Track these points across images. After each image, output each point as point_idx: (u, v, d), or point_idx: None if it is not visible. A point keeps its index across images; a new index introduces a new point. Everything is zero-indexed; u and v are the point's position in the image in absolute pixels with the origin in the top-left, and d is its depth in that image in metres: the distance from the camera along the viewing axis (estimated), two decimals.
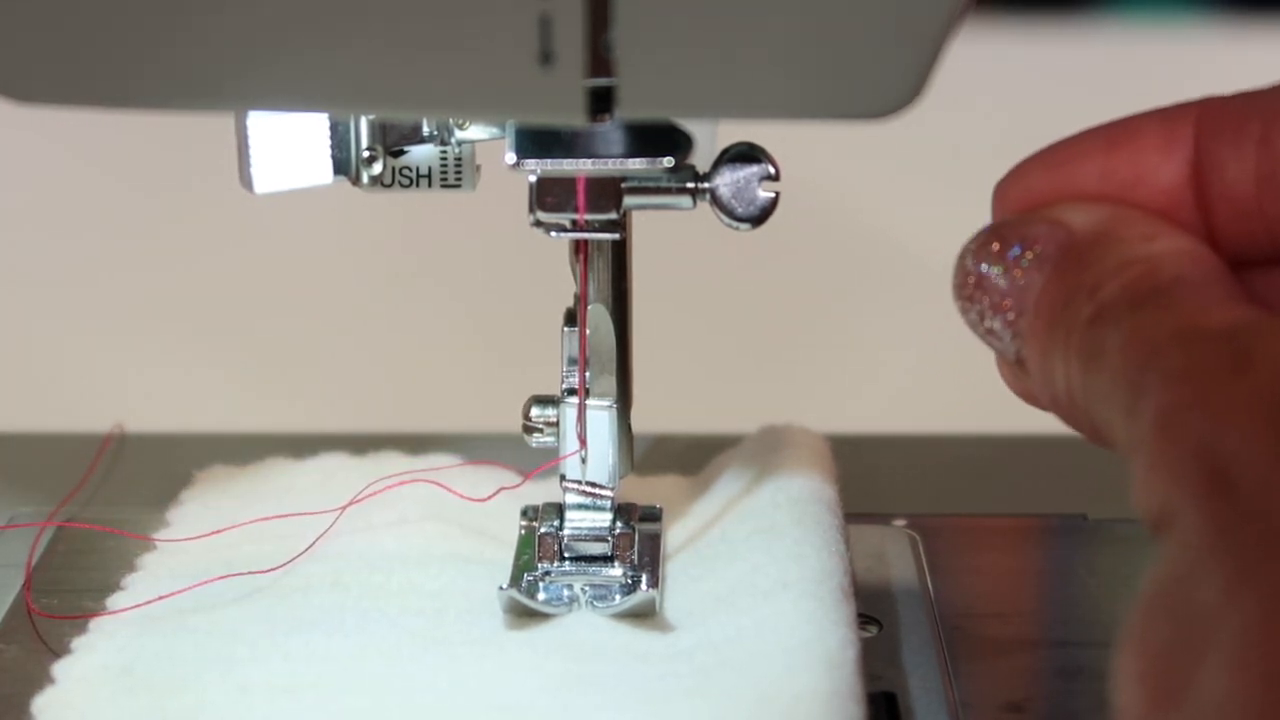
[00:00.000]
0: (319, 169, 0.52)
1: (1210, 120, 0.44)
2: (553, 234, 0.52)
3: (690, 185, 0.51)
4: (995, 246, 0.44)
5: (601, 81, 0.43)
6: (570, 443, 0.54)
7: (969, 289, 0.45)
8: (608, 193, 0.51)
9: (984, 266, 0.44)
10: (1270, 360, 0.37)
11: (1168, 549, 0.37)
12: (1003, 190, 0.46)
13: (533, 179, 0.51)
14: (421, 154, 0.53)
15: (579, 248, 0.53)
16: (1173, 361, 0.39)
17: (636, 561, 0.54)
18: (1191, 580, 0.36)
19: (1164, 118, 0.44)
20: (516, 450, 0.56)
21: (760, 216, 0.52)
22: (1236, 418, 0.36)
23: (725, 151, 0.52)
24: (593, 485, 0.54)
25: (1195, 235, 0.43)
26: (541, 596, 0.52)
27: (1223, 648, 0.34)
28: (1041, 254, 0.44)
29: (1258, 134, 0.43)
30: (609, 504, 0.54)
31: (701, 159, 0.51)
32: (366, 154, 0.52)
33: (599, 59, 0.43)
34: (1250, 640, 0.34)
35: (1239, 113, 0.44)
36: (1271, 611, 0.34)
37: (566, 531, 0.54)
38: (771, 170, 0.51)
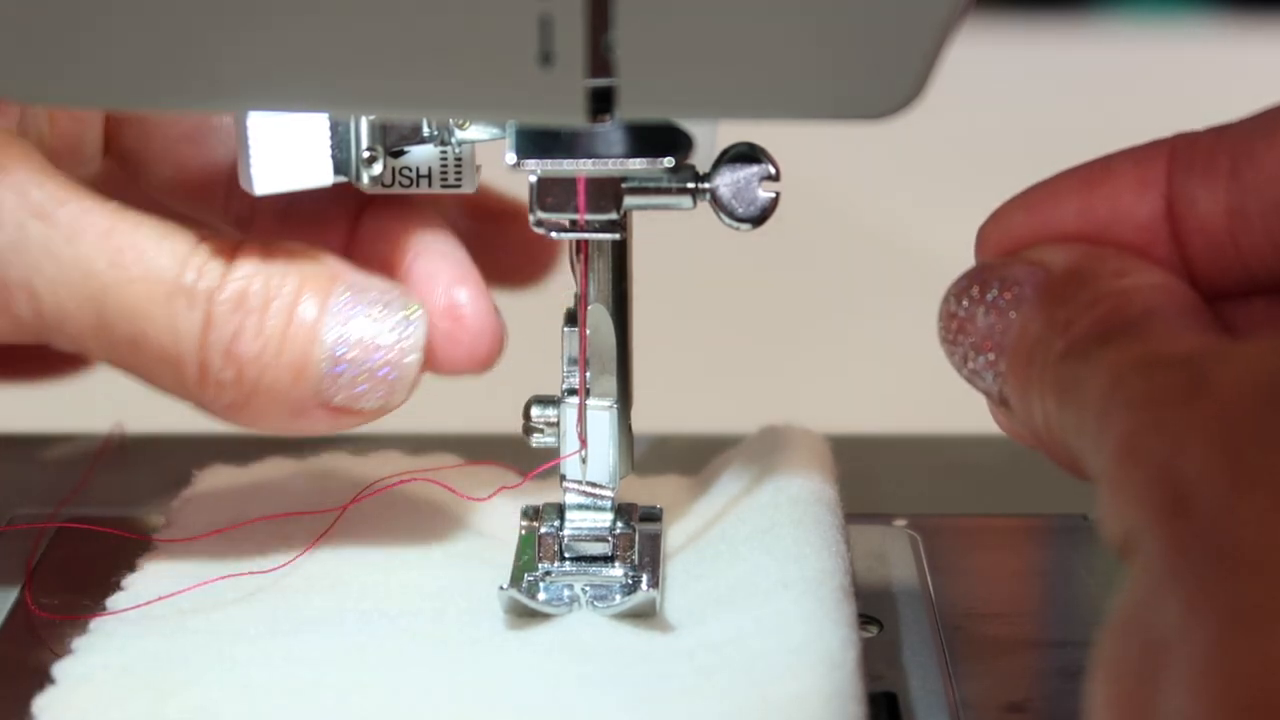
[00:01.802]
0: (319, 169, 0.52)
1: (1181, 157, 0.45)
2: (553, 234, 0.52)
3: (690, 185, 0.51)
4: (975, 290, 0.46)
5: (601, 82, 0.43)
6: (570, 443, 0.54)
7: (952, 332, 0.46)
8: (608, 193, 0.51)
9: (965, 309, 0.46)
10: (1227, 384, 0.37)
11: (1132, 573, 0.37)
12: (984, 233, 0.47)
13: (533, 179, 0.51)
14: (422, 154, 0.53)
15: (579, 248, 0.53)
16: (1134, 388, 0.39)
17: (637, 562, 0.54)
18: (1153, 603, 0.36)
19: (1137, 156, 0.46)
20: (516, 450, 0.56)
21: (760, 216, 0.52)
22: (1194, 441, 0.37)
23: (725, 151, 0.52)
24: (593, 485, 0.54)
25: (1172, 270, 0.45)
26: (542, 596, 0.52)
27: (1182, 669, 0.34)
28: (1019, 295, 0.45)
29: (1227, 168, 0.44)
30: (609, 504, 0.54)
31: (701, 159, 0.51)
32: (366, 154, 0.52)
33: (599, 59, 0.43)
34: (1208, 661, 0.34)
35: (1208, 148, 0.45)
36: (1229, 632, 0.34)
37: (567, 532, 0.54)
38: (771, 170, 0.52)
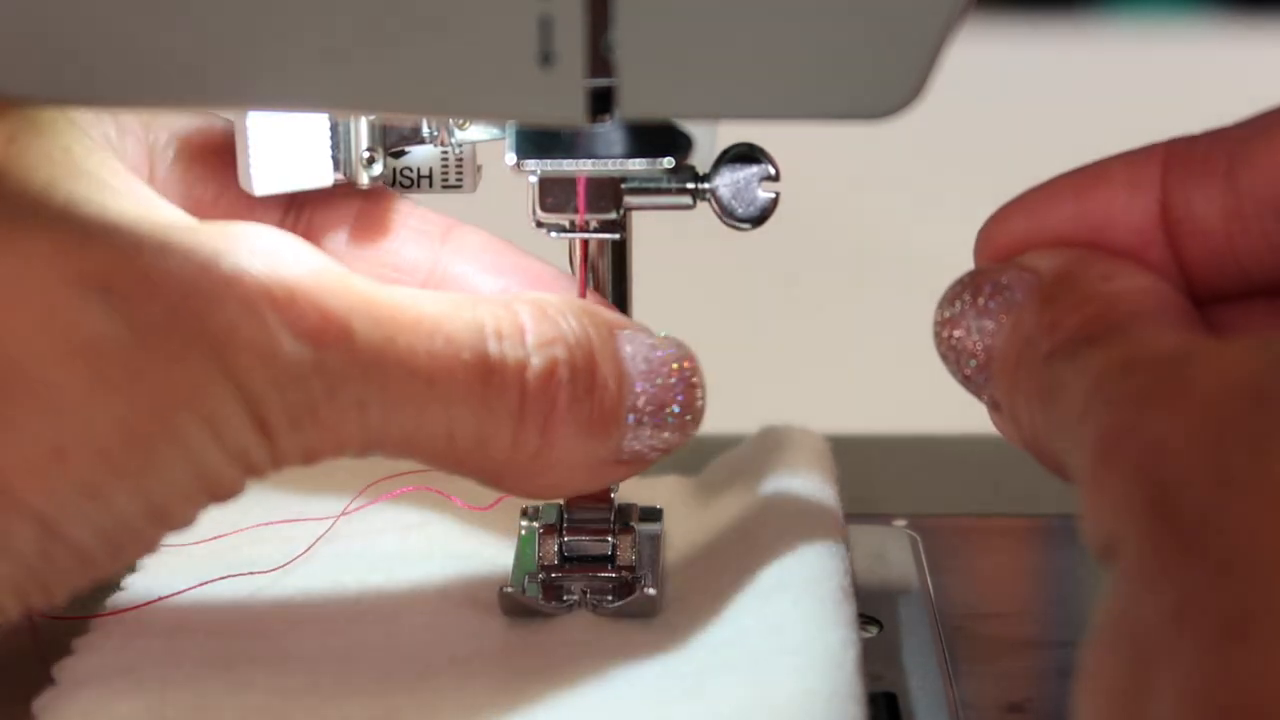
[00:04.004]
0: (319, 169, 0.52)
1: (1176, 160, 0.45)
2: (553, 234, 0.52)
3: (690, 185, 0.51)
4: (968, 295, 0.46)
5: (601, 82, 0.43)
6: None
7: (946, 337, 0.46)
8: (608, 193, 0.51)
9: (958, 314, 0.46)
10: (1208, 383, 0.37)
11: (1114, 580, 0.36)
12: (983, 236, 0.48)
13: (533, 180, 0.51)
14: (422, 155, 0.53)
15: (579, 248, 0.53)
16: (1114, 389, 0.39)
17: (637, 562, 0.54)
18: (1138, 611, 0.35)
19: (1131, 160, 0.46)
20: None
21: (760, 217, 0.52)
22: (1175, 441, 0.36)
23: (725, 152, 0.52)
24: None
25: (1167, 273, 0.45)
26: (542, 597, 0.52)
27: (1171, 680, 0.34)
28: (1009, 299, 0.45)
29: (1222, 171, 0.44)
30: (609, 504, 0.54)
31: (701, 159, 0.51)
32: (366, 154, 0.52)
33: (599, 59, 0.43)
34: (1197, 671, 0.33)
35: (1204, 151, 0.45)
36: (1217, 640, 0.33)
37: (567, 532, 0.54)
38: (771, 170, 0.52)
